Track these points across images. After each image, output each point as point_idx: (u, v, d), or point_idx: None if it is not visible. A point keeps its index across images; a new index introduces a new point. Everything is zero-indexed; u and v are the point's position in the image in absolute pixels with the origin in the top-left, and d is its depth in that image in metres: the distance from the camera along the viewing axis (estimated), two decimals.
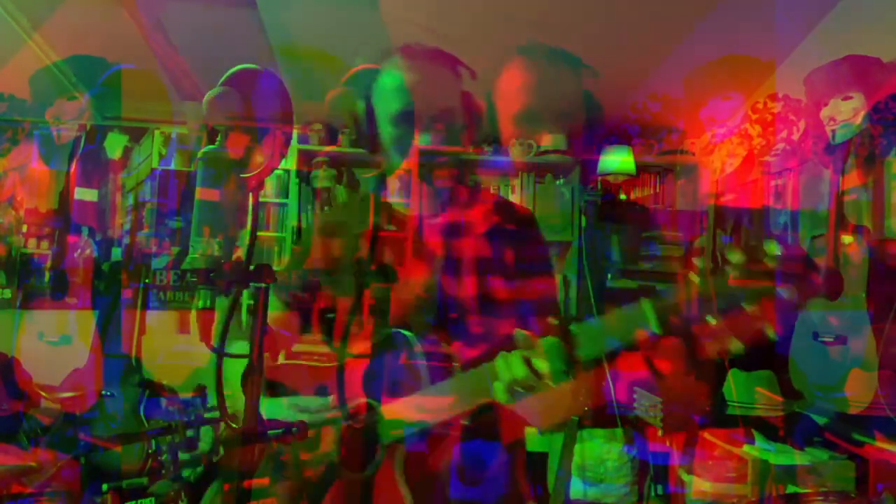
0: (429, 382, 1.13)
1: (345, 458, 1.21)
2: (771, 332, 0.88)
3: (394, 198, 1.37)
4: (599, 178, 3.75)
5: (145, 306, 3.58)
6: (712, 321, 0.89)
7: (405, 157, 1.26)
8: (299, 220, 3.95)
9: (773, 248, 0.88)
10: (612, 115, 3.86)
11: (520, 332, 1.03)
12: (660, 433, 2.68)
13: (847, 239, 2.37)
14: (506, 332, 1.15)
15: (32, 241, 3.84)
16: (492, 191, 3.90)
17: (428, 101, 1.25)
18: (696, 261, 0.90)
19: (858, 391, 2.18)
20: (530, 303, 1.27)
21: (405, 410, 1.14)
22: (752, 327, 0.89)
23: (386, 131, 1.29)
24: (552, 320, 1.04)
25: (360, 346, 1.23)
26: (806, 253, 0.90)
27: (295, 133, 3.86)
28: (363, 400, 1.19)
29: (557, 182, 3.94)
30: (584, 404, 1.17)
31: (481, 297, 1.26)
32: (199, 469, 2.66)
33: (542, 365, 1.00)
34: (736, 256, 0.89)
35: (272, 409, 1.27)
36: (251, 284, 0.97)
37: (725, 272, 0.90)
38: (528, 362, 1.01)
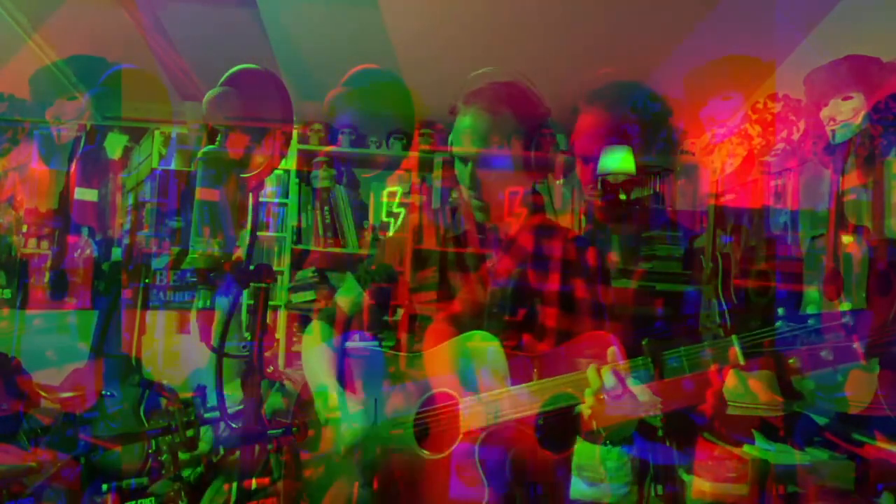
0: (509, 378, 1.26)
1: (426, 442, 1.34)
2: (841, 378, 1.01)
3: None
4: (599, 178, 3.74)
5: (145, 306, 3.58)
6: (795, 362, 1.04)
7: (467, 194, 1.45)
8: (299, 220, 3.95)
9: (846, 307, 1.05)
10: (612, 114, 3.85)
11: (613, 349, 1.18)
12: (660, 433, 2.67)
13: (847, 239, 2.37)
14: (576, 336, 1.32)
15: (32, 241, 3.83)
16: None
17: (477, 148, 1.41)
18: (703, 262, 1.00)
19: (858, 391, 2.18)
20: (600, 308, 1.43)
21: (487, 405, 1.27)
22: (826, 370, 1.04)
23: (456, 164, 1.48)
24: (644, 342, 1.17)
25: (438, 341, 1.39)
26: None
27: (295, 133, 3.86)
28: (446, 390, 1.34)
29: (557, 182, 3.94)
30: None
31: (559, 299, 1.41)
32: (199, 469, 2.66)
33: (633, 382, 1.15)
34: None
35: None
36: (251, 284, 0.97)
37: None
38: (618, 376, 1.15)
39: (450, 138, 1.50)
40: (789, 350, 1.04)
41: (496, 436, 1.27)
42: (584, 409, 1.19)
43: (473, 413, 1.29)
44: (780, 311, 1.06)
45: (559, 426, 1.30)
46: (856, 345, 1.01)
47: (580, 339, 1.31)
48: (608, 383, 1.15)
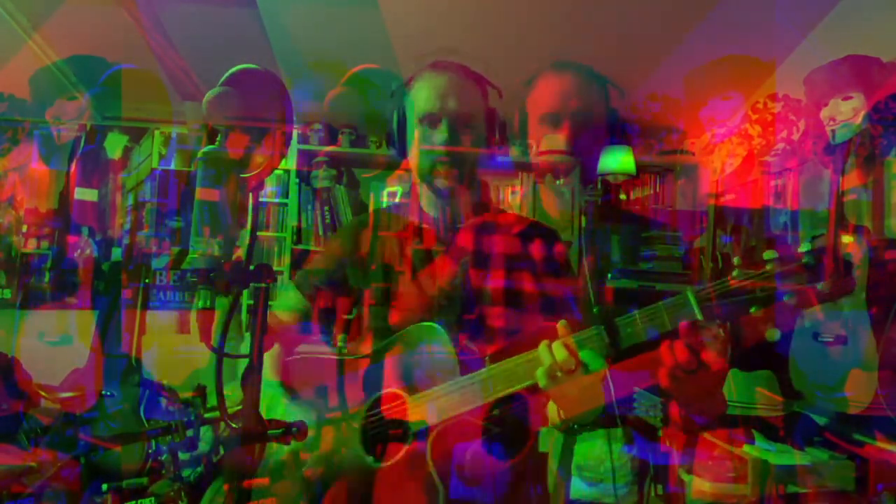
0: (458, 373, 1.17)
1: (375, 447, 1.24)
2: (808, 321, 0.96)
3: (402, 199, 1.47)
4: (599, 178, 3.75)
5: (145, 306, 3.58)
6: (757, 311, 0.96)
7: (433, 161, 1.36)
8: (299, 220, 3.95)
9: (806, 247, 0.98)
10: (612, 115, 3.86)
11: (563, 322, 1.09)
12: (659, 433, 2.67)
13: (847, 239, 2.37)
14: (530, 330, 1.22)
15: (32, 241, 3.84)
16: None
17: (453, 104, 1.36)
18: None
19: (858, 391, 2.18)
20: (554, 301, 1.34)
21: (437, 401, 1.18)
22: (791, 317, 0.96)
23: (412, 134, 1.40)
24: (595, 310, 1.12)
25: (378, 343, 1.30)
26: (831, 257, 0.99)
27: (295, 133, 3.86)
28: (393, 390, 1.24)
29: (557, 182, 3.93)
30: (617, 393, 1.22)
31: (508, 296, 1.32)
32: (199, 469, 2.66)
33: (584, 355, 1.06)
34: (770, 254, 0.99)
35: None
36: (251, 284, 0.97)
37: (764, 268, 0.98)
38: (569, 349, 1.06)
39: (395, 114, 1.45)
40: (749, 299, 0.97)
41: (449, 433, 1.17)
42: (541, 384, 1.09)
43: (421, 411, 1.19)
44: (736, 260, 1.00)
45: (509, 428, 1.22)
46: (820, 285, 0.96)
47: (531, 332, 1.20)
48: (559, 357, 1.06)
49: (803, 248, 0.98)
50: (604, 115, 1.84)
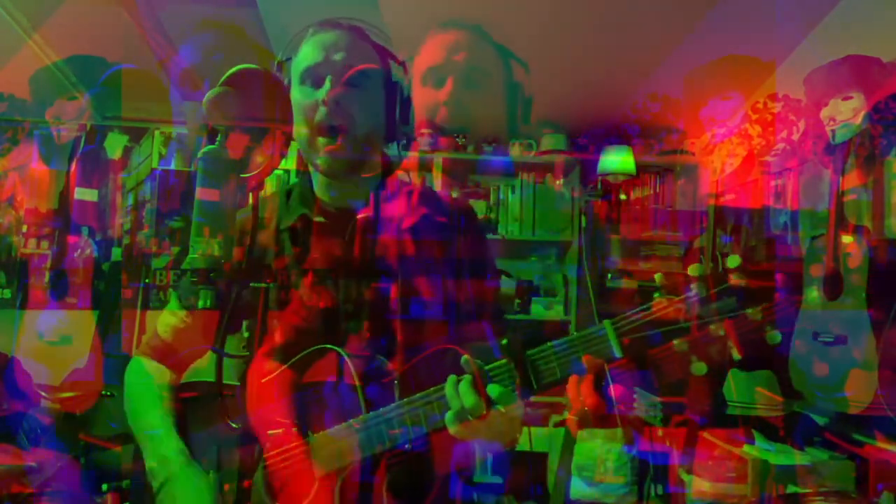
0: (363, 405, 1.03)
1: (277, 494, 1.08)
2: (735, 354, 0.82)
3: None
4: (599, 178, 3.76)
5: (145, 306, 3.58)
6: (680, 345, 0.84)
7: (311, 128, 1.16)
8: None
9: (734, 261, 0.83)
10: (612, 115, 3.86)
11: (466, 358, 0.95)
12: (660, 433, 2.68)
13: (847, 239, 2.37)
14: (441, 341, 1.08)
15: (32, 241, 3.84)
16: (480, 189, 3.90)
17: (340, 58, 1.16)
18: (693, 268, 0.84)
19: (858, 391, 2.18)
20: (469, 306, 1.18)
21: (345, 440, 1.03)
22: (720, 349, 0.84)
23: (294, 97, 1.16)
24: (503, 342, 0.95)
25: (278, 363, 1.10)
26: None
27: None
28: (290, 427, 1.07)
29: (557, 182, 3.95)
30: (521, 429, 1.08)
31: (413, 302, 1.15)
32: None
33: (493, 390, 0.92)
34: (696, 270, 0.86)
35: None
36: (251, 284, 0.97)
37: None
38: (477, 390, 0.93)
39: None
40: (673, 330, 0.83)
41: (359, 476, 1.03)
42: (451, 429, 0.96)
43: (326, 452, 1.03)
44: (658, 277, 0.86)
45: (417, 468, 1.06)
46: (751, 311, 0.81)
47: (440, 352, 1.04)
48: (468, 403, 0.92)
49: (731, 262, 0.83)
50: (500, 83, 1.65)
